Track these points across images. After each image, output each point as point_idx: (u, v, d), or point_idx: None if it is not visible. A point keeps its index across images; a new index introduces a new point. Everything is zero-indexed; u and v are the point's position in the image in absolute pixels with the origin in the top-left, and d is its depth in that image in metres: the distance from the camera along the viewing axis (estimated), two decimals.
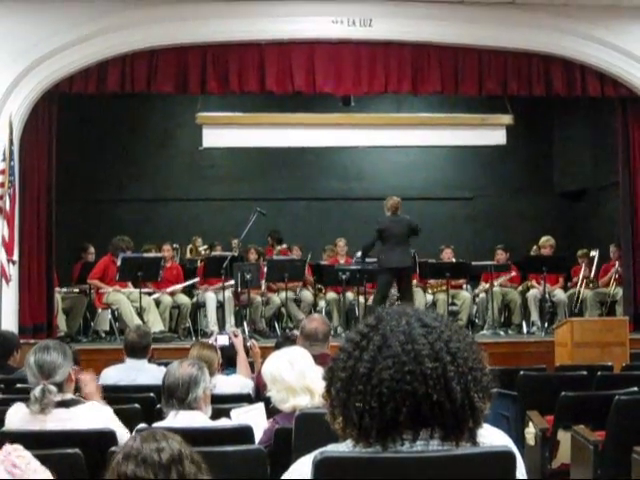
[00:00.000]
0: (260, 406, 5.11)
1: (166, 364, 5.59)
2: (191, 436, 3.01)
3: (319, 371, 4.68)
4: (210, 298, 12.94)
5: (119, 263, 11.73)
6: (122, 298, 11.94)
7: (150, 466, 2.62)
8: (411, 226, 11.99)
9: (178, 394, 4.41)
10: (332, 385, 2.27)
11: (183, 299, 12.81)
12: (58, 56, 11.62)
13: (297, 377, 4.58)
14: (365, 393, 2.17)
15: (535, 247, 13.97)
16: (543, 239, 13.72)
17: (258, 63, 12.08)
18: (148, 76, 11.97)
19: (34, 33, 11.53)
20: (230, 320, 12.64)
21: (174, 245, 13.78)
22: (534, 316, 13.10)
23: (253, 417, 4.90)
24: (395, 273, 11.96)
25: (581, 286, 13.76)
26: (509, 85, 12.49)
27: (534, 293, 13.17)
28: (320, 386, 4.45)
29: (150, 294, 12.41)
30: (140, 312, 11.84)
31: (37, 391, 4.27)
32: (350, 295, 13.09)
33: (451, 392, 2.16)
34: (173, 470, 2.64)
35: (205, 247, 14.66)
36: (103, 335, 12.45)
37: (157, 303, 12.49)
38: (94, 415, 4.45)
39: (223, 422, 4.57)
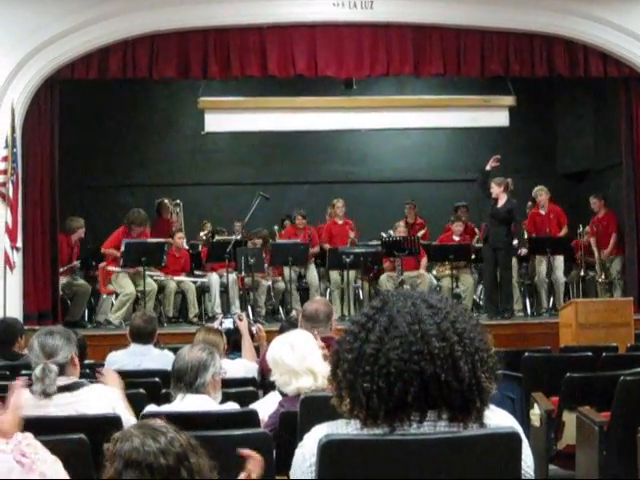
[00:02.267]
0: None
1: (173, 350, 5.59)
2: (196, 420, 3.01)
3: (321, 353, 4.69)
4: (214, 281, 12.97)
5: (122, 249, 11.69)
6: (127, 283, 11.91)
7: (157, 471, 2.59)
8: None
9: (187, 378, 4.41)
10: (338, 367, 2.27)
11: (188, 285, 12.80)
12: (59, 42, 11.60)
13: (299, 360, 4.57)
14: (373, 374, 2.17)
15: (529, 203, 13.98)
16: (536, 189, 13.69)
17: (259, 47, 12.06)
18: (149, 61, 11.95)
19: (34, 20, 11.51)
20: (235, 304, 12.65)
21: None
22: (543, 297, 13.08)
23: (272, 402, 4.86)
24: None
25: (582, 267, 13.80)
26: (511, 66, 12.46)
27: (542, 275, 13.12)
28: (322, 368, 4.50)
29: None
30: (144, 296, 11.87)
31: (38, 370, 4.26)
32: (353, 278, 13.09)
33: (459, 372, 2.17)
34: (182, 469, 2.62)
35: (206, 232, 14.70)
36: (116, 323, 12.20)
37: (162, 288, 12.52)
38: (99, 398, 4.44)
39: (228, 406, 4.56)
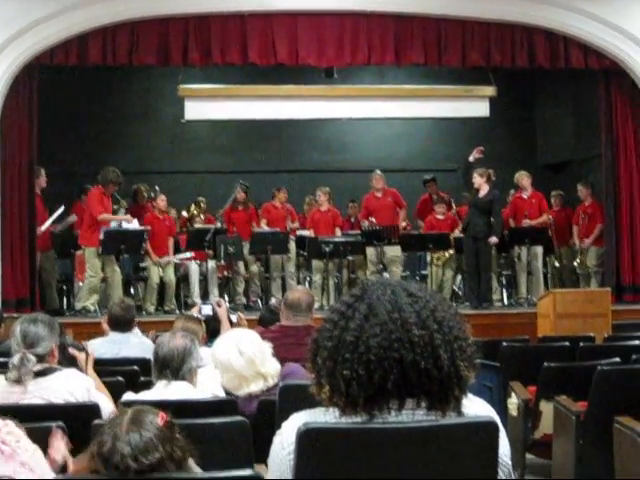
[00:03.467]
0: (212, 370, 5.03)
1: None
2: (178, 408, 3.01)
3: (269, 348, 4.67)
4: (194, 270, 12.98)
5: (102, 237, 11.61)
6: (96, 264, 11.79)
7: (125, 469, 2.60)
8: None
9: (173, 365, 4.38)
10: (318, 355, 2.28)
11: (169, 274, 12.77)
12: (38, 28, 11.51)
13: (247, 365, 4.54)
14: (352, 361, 2.18)
15: (512, 191, 13.95)
16: (518, 173, 13.76)
17: (240, 34, 12.02)
18: (129, 48, 11.88)
19: (13, 5, 11.42)
20: (214, 292, 12.65)
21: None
22: (522, 287, 13.10)
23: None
24: None
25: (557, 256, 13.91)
26: (492, 56, 12.46)
27: (522, 265, 13.14)
28: (271, 366, 4.51)
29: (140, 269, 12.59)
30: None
31: (15, 359, 4.25)
32: (333, 267, 13.10)
33: (438, 359, 2.19)
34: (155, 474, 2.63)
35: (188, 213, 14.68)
36: (92, 309, 11.81)
37: (144, 279, 12.55)
38: (72, 382, 4.43)
39: (209, 394, 4.56)
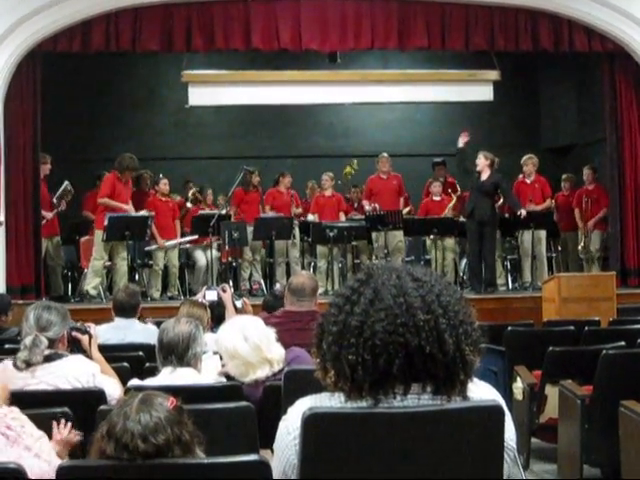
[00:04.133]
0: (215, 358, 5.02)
1: (157, 324, 5.56)
2: (184, 394, 3.02)
3: (272, 334, 4.67)
4: (199, 257, 12.98)
5: (106, 222, 11.58)
6: (102, 250, 11.80)
7: (137, 454, 2.61)
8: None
9: (178, 350, 4.37)
10: (323, 340, 2.27)
11: (173, 260, 12.78)
12: (41, 15, 11.49)
13: (253, 351, 4.52)
14: (358, 346, 2.18)
15: (520, 176, 13.91)
16: (525, 157, 13.72)
17: (243, 20, 12.00)
18: (133, 34, 11.86)
19: None
20: (214, 281, 12.63)
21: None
22: (527, 272, 13.09)
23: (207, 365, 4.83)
24: None
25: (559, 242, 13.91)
26: (496, 40, 12.43)
27: (525, 249, 13.12)
28: (276, 352, 4.50)
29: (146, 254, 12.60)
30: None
31: (28, 340, 4.30)
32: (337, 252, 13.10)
33: (443, 344, 2.18)
34: (159, 455, 2.64)
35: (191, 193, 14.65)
36: (94, 294, 11.83)
37: (149, 265, 12.54)
38: (78, 368, 4.45)
39: (214, 380, 4.56)
